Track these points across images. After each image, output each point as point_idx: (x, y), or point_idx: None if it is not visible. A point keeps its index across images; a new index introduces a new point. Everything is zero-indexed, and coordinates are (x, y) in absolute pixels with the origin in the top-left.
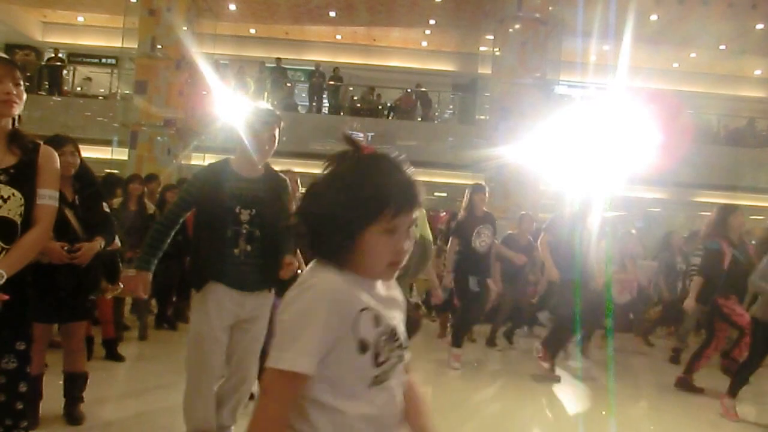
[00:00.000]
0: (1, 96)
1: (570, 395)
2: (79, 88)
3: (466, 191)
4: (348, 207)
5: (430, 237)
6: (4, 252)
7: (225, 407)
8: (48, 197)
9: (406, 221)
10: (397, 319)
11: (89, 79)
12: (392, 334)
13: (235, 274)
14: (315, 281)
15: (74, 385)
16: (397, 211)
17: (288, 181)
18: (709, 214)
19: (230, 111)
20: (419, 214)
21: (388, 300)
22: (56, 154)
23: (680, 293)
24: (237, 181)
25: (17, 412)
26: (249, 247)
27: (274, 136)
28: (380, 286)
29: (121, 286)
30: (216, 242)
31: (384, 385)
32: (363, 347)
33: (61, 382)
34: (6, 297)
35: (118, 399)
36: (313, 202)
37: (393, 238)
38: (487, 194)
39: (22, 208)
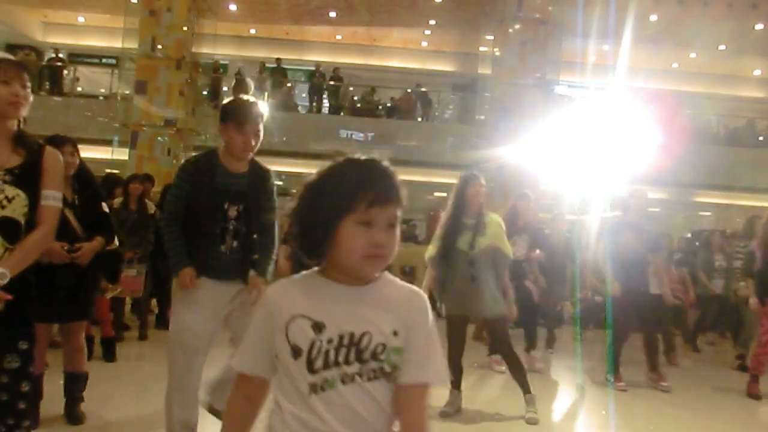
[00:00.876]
0: (9, 98)
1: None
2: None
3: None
4: (326, 199)
5: (507, 250)
6: (7, 252)
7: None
8: (52, 198)
9: (384, 214)
10: (365, 328)
11: (77, 79)
12: (342, 342)
13: (220, 267)
14: (270, 287)
15: (74, 385)
16: (372, 202)
17: (270, 172)
18: (708, 214)
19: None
20: (495, 225)
21: (362, 306)
22: (61, 156)
23: (716, 291)
24: (225, 176)
25: (19, 411)
26: (235, 243)
27: (259, 130)
28: (358, 293)
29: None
30: (203, 238)
31: (327, 395)
32: (295, 353)
33: (62, 382)
34: (9, 297)
35: (118, 399)
36: (300, 202)
37: (369, 230)
38: (531, 203)
39: (26, 208)
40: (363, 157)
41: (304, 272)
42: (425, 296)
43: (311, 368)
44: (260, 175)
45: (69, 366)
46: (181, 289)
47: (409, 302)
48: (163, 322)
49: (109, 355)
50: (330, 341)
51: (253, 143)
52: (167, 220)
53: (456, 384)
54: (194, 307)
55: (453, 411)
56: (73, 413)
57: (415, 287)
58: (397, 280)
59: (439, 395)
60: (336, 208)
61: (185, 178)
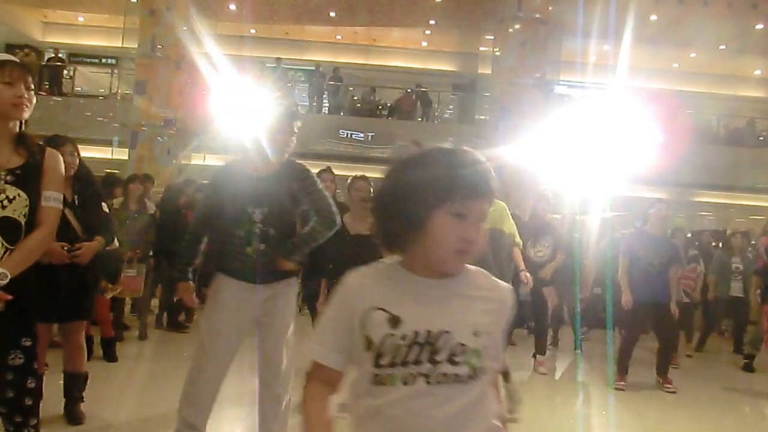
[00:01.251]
0: (13, 99)
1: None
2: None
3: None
4: (421, 187)
5: (509, 230)
6: (8, 252)
7: (269, 416)
8: (53, 199)
9: (478, 208)
10: (445, 327)
11: (71, 77)
12: (416, 340)
13: (246, 270)
14: (347, 275)
15: (74, 385)
16: (469, 194)
17: (309, 171)
18: (708, 214)
19: (247, 108)
20: (496, 210)
21: (444, 302)
22: (61, 157)
23: (734, 294)
24: (250, 180)
25: (26, 408)
26: (263, 246)
27: (295, 132)
28: (440, 288)
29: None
30: (230, 241)
31: (385, 389)
32: (368, 345)
33: (61, 382)
34: (9, 297)
35: (118, 399)
36: (385, 189)
37: (463, 223)
38: (549, 200)
39: (27, 208)
40: (457, 147)
41: (384, 260)
42: (512, 291)
43: (377, 362)
44: (293, 172)
45: (69, 366)
46: (212, 290)
47: (496, 297)
48: (162, 322)
49: (110, 355)
50: (404, 337)
51: (291, 143)
52: (192, 226)
53: None
54: (218, 308)
55: None
56: (72, 413)
57: (501, 282)
58: (483, 271)
59: None
60: (431, 198)
61: (212, 187)
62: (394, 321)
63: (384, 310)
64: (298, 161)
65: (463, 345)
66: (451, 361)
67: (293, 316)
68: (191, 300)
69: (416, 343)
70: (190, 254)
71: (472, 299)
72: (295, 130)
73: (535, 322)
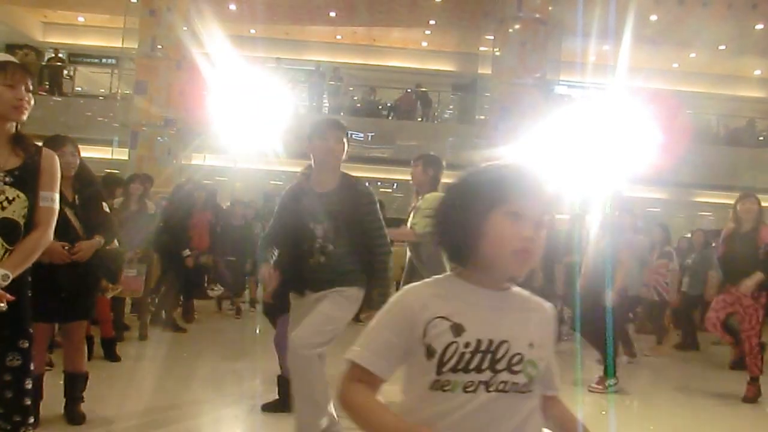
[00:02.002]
0: (13, 101)
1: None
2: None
3: None
4: (475, 193)
5: (416, 228)
6: (7, 253)
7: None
8: (50, 200)
9: (533, 208)
10: (503, 336)
11: (70, 77)
12: (479, 348)
13: (308, 279)
14: (404, 288)
15: (74, 385)
16: (522, 194)
17: (372, 197)
18: (708, 214)
19: (301, 123)
20: (426, 205)
21: (501, 313)
22: (57, 158)
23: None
24: (312, 196)
25: (25, 408)
26: (323, 259)
27: (343, 145)
28: (498, 299)
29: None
30: (295, 254)
31: (445, 395)
32: (430, 353)
33: (61, 382)
34: (11, 297)
35: (118, 399)
36: (444, 201)
37: (519, 222)
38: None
39: (26, 209)
40: (511, 160)
41: (438, 276)
42: (553, 309)
43: (440, 370)
44: (353, 192)
45: (69, 366)
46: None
47: (543, 314)
48: (161, 318)
49: (111, 355)
50: (467, 345)
51: (336, 152)
52: (262, 240)
53: None
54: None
55: None
56: (73, 413)
57: (543, 300)
58: (525, 291)
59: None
60: (486, 201)
61: (280, 204)
62: (457, 329)
63: (446, 318)
64: (363, 183)
65: (520, 355)
66: (510, 370)
67: (327, 323)
68: (271, 277)
69: (479, 351)
70: (266, 249)
71: (526, 312)
72: (344, 141)
73: None
